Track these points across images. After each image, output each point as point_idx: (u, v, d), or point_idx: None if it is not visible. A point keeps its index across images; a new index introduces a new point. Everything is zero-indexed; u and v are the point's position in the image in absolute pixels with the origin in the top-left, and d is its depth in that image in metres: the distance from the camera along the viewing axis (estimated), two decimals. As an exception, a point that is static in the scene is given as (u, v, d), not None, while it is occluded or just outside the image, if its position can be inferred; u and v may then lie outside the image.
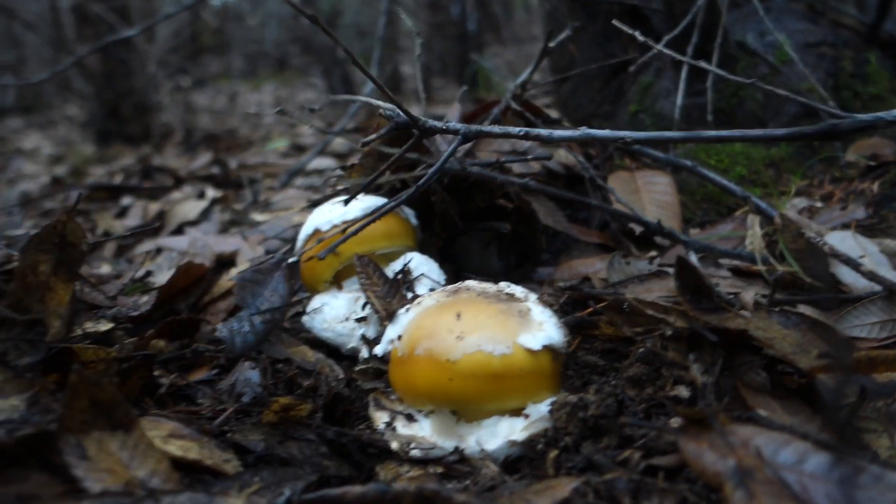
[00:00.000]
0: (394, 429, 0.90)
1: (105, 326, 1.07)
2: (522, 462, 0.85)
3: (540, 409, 0.85)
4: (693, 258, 1.11)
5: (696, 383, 0.82)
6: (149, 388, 1.02)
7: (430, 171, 0.84)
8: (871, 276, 1.00)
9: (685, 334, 0.82)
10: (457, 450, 0.86)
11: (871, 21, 1.93)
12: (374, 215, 1.06)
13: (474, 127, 0.85)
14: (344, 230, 1.14)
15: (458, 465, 0.85)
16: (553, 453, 0.78)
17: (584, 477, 0.74)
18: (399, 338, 0.92)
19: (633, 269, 1.13)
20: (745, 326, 0.82)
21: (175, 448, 0.79)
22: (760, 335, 0.82)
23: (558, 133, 0.85)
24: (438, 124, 0.84)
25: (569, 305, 1.15)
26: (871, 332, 0.96)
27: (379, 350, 0.96)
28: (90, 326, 1.06)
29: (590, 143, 1.66)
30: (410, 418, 0.91)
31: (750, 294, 0.97)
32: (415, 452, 0.87)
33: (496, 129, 0.86)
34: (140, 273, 1.54)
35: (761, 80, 1.76)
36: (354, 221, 1.15)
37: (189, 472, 0.78)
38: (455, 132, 0.85)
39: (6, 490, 0.65)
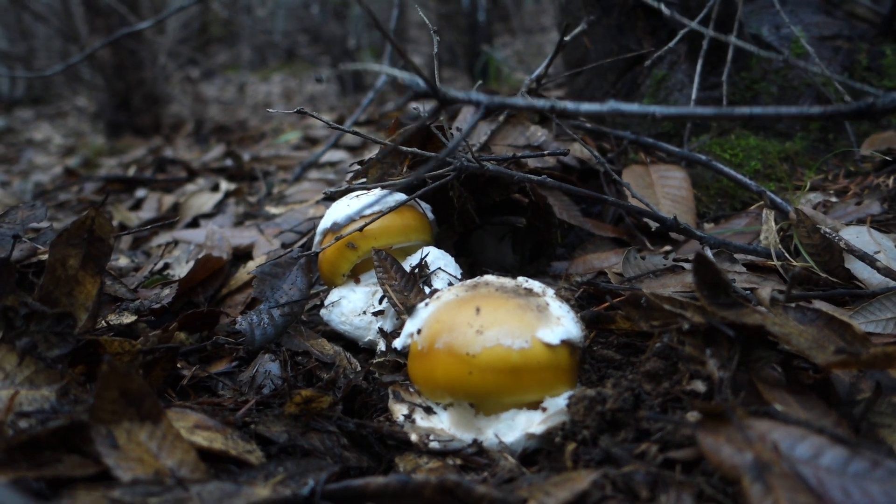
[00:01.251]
0: (413, 421, 0.92)
1: (129, 319, 1.08)
2: (540, 455, 0.86)
3: (558, 403, 0.86)
4: (709, 253, 1.11)
5: (712, 378, 0.83)
6: (171, 380, 1.04)
7: (453, 142, 0.85)
8: (887, 271, 1.00)
9: (702, 329, 0.83)
10: (475, 442, 0.88)
11: (887, 13, 1.92)
12: (392, 205, 1.07)
13: (497, 98, 0.85)
14: (362, 228, 1.15)
15: (476, 457, 0.87)
16: (571, 446, 0.80)
17: (602, 470, 0.75)
18: (419, 332, 0.93)
19: (648, 263, 1.14)
20: (762, 322, 0.83)
21: (200, 439, 0.80)
22: (777, 331, 0.82)
23: (585, 106, 0.85)
24: (459, 94, 0.85)
25: (584, 300, 1.17)
26: (886, 327, 0.97)
27: (398, 344, 0.98)
28: (114, 319, 1.08)
29: (605, 136, 1.67)
30: (429, 411, 0.93)
31: (766, 290, 0.98)
32: (434, 444, 0.88)
33: (520, 101, 0.86)
34: (159, 266, 1.56)
35: (776, 74, 1.75)
36: (372, 215, 1.16)
37: (215, 463, 0.79)
38: (477, 103, 0.85)
39: (41, 473, 0.67)
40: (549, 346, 0.85)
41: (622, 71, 1.92)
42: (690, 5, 1.76)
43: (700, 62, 1.70)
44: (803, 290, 1.10)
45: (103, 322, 1.07)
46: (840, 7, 2.01)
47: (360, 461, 0.91)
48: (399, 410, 0.94)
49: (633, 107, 0.93)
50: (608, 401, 0.84)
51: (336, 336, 1.20)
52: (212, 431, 0.84)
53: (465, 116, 1.55)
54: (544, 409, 0.87)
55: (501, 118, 1.50)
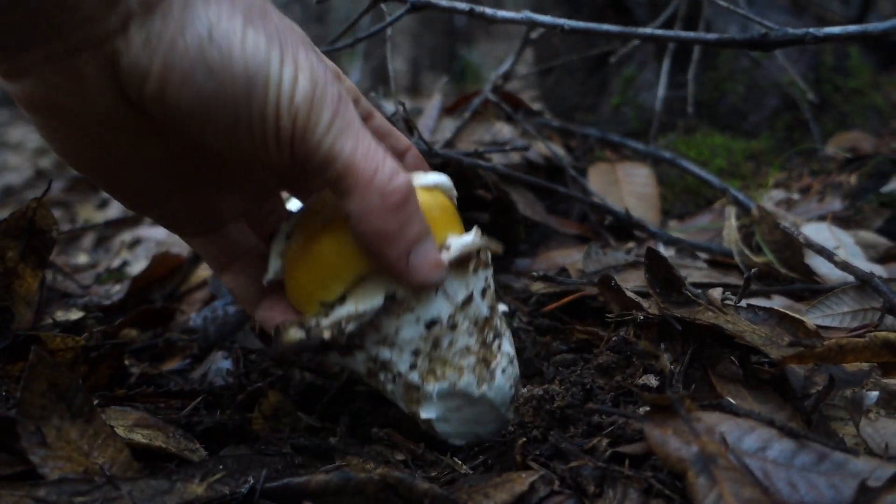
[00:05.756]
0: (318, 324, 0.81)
1: (76, 315, 1.06)
2: (491, 452, 0.85)
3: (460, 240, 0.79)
4: (661, 249, 1.11)
5: (665, 372, 0.81)
6: (119, 378, 1.01)
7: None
8: (845, 266, 1.00)
9: (657, 322, 0.82)
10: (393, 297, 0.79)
11: (855, 16, 1.94)
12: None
13: None
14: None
15: (423, 455, 0.85)
16: (521, 441, 0.78)
17: (547, 468, 0.74)
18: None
19: (609, 258, 1.13)
20: (714, 320, 0.82)
21: (139, 437, 0.78)
22: (731, 328, 0.81)
23: (502, 13, 0.91)
24: None
25: (545, 300, 1.15)
26: (842, 321, 0.96)
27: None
28: (61, 315, 1.05)
29: (572, 134, 1.66)
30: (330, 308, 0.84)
31: (718, 291, 0.97)
32: (351, 326, 0.76)
33: (442, 2, 0.90)
34: (116, 263, 1.52)
35: (742, 74, 1.76)
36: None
37: (152, 461, 0.77)
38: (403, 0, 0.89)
39: (-38, 474, 0.64)
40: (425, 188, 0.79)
41: (591, 70, 1.92)
42: (657, 4, 1.77)
43: (667, 61, 1.70)
44: (763, 286, 1.09)
45: (49, 318, 1.04)
46: (808, 9, 2.02)
47: (307, 460, 0.88)
48: (295, 334, 0.84)
49: (546, 18, 0.98)
50: (556, 399, 0.82)
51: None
52: (153, 429, 0.81)
53: (431, 113, 1.54)
54: (448, 248, 0.79)
55: (467, 115, 1.49)
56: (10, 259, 0.88)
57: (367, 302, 0.67)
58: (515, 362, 0.81)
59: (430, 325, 0.70)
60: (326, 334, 0.67)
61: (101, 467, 0.69)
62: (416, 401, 0.75)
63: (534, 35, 1.53)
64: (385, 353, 0.71)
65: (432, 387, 0.72)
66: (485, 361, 0.75)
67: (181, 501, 0.66)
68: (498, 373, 0.77)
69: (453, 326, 0.71)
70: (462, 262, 0.70)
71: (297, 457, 0.83)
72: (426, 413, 0.75)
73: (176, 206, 0.72)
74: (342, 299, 0.68)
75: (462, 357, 0.73)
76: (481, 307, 0.73)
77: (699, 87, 1.70)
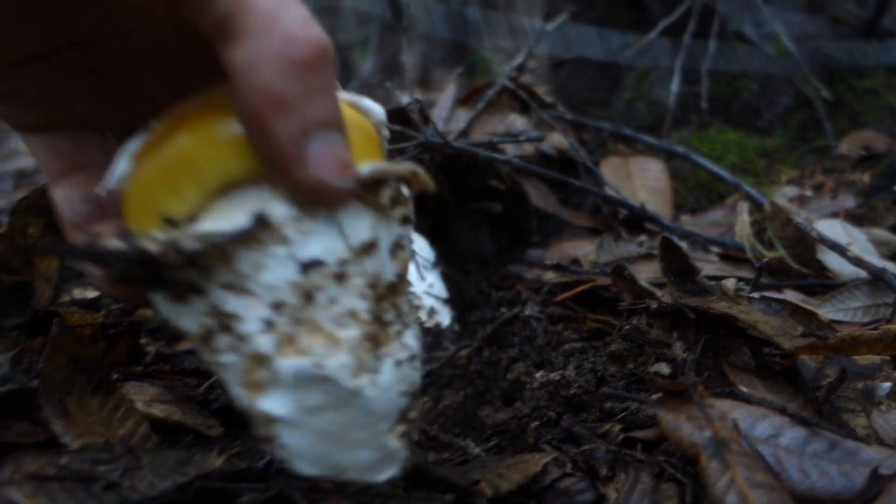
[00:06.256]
0: None
1: (92, 294, 1.07)
2: (504, 436, 0.86)
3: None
4: (676, 240, 1.11)
5: (677, 360, 0.82)
6: (135, 356, 1.02)
7: (425, 137, 0.84)
8: (858, 261, 1.01)
9: (669, 311, 0.83)
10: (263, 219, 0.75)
11: (870, 17, 1.94)
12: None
13: None
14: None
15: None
16: (534, 424, 0.79)
17: (559, 451, 0.75)
18: None
19: (622, 250, 1.13)
20: (728, 310, 0.83)
21: (157, 411, 0.79)
22: (744, 318, 0.82)
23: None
24: None
25: (557, 289, 1.16)
26: (854, 315, 0.97)
27: None
28: (78, 293, 1.06)
29: (585, 128, 1.67)
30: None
31: (731, 281, 0.98)
32: (194, 245, 0.69)
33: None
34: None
35: (757, 71, 1.76)
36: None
37: (170, 436, 0.78)
38: None
39: (-12, 440, 0.65)
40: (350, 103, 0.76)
41: (604, 64, 1.92)
42: (672, 1, 1.77)
43: (681, 56, 1.70)
44: (775, 280, 1.10)
45: (67, 296, 1.05)
46: (823, 9, 2.02)
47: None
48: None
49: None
50: (572, 385, 0.83)
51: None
52: (170, 405, 0.82)
53: (445, 104, 1.54)
54: None
55: (481, 106, 1.50)
56: (31, 235, 0.89)
57: (225, 219, 0.44)
58: (419, 366, 0.53)
59: (308, 267, 0.45)
60: (154, 247, 0.42)
61: (121, 438, 0.70)
62: (259, 384, 0.47)
63: (549, 28, 1.53)
64: (232, 303, 0.45)
65: (289, 363, 0.45)
66: (373, 341, 0.48)
67: (199, 473, 0.67)
68: (388, 364, 0.49)
69: (340, 277, 0.47)
70: (373, 187, 0.48)
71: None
72: (268, 404, 0.46)
73: (29, 78, 0.51)
74: (193, 219, 0.45)
75: (342, 325, 0.47)
76: (387, 266, 0.50)
77: (713, 84, 1.70)
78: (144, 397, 0.82)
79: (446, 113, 1.48)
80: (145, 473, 0.67)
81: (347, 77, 6.00)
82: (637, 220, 1.42)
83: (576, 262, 1.21)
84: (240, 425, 0.86)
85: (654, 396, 0.78)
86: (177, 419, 0.79)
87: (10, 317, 0.82)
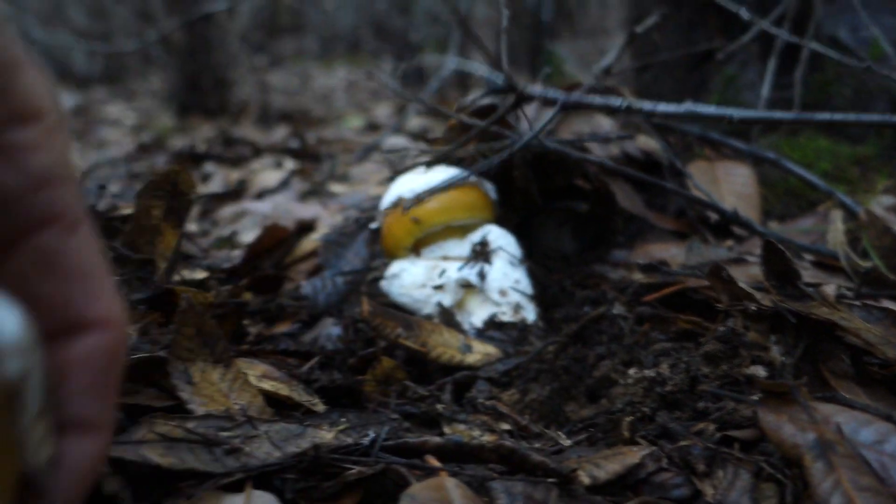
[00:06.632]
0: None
1: (200, 275, 1.13)
2: (595, 428, 0.87)
3: None
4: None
5: (774, 364, 0.82)
6: (238, 336, 1.08)
7: (529, 136, 0.86)
8: (962, 274, 0.98)
9: (768, 314, 0.83)
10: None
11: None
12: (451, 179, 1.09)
13: (574, 95, 0.86)
14: (426, 203, 1.18)
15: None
16: (628, 418, 0.80)
17: (657, 445, 0.76)
18: None
19: (711, 253, 1.13)
20: (830, 316, 0.82)
21: (267, 386, 0.84)
22: (846, 325, 0.82)
23: (662, 107, 0.85)
24: (538, 91, 0.86)
25: (642, 290, 1.16)
26: (957, 328, 0.94)
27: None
28: (187, 274, 1.13)
29: (670, 131, 1.66)
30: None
31: (832, 287, 0.97)
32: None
33: (597, 99, 0.87)
34: (227, 232, 1.62)
35: (851, 77, 1.72)
36: (437, 191, 1.18)
37: (280, 409, 0.83)
38: (553, 101, 0.86)
39: (123, 400, 0.71)
40: None
41: (690, 68, 1.90)
42: (765, 3, 1.74)
43: (772, 61, 1.67)
44: (871, 290, 1.08)
45: (177, 276, 1.12)
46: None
47: (415, 426, 0.93)
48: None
49: (709, 108, 0.93)
50: (668, 383, 0.84)
51: (395, 307, 1.23)
52: (278, 381, 0.87)
53: (535, 105, 1.56)
54: None
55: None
56: (155, 217, 0.95)
57: None
58: None
59: None
60: None
61: (240, 408, 0.75)
62: None
63: (639, 30, 1.53)
64: None
65: None
66: None
67: (313, 444, 0.72)
68: None
69: None
70: None
71: (404, 422, 0.88)
72: None
73: None
74: None
75: None
76: None
77: (805, 89, 1.67)
78: (255, 373, 0.87)
79: (533, 112, 1.50)
80: (263, 441, 0.72)
81: (420, 79, 6.08)
82: (724, 226, 1.41)
83: (663, 263, 1.22)
84: (340, 404, 0.91)
85: (754, 397, 0.78)
86: (286, 394, 0.84)
87: (136, 291, 0.88)
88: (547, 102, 1.55)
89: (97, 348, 0.43)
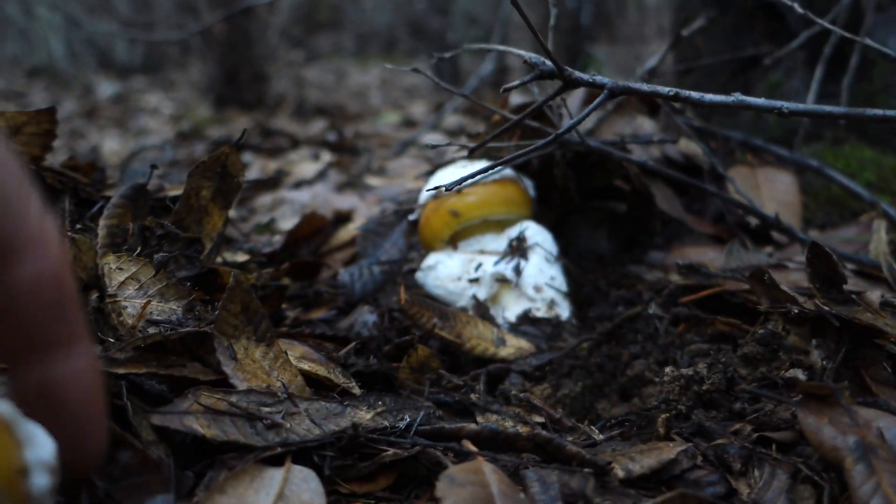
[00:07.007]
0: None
1: (242, 258, 1.15)
2: (628, 424, 0.87)
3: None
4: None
5: (814, 368, 0.82)
6: (277, 319, 1.10)
7: (571, 122, 0.87)
8: None
9: (810, 318, 0.82)
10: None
11: None
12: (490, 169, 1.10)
13: (621, 82, 0.86)
14: (466, 196, 1.19)
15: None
16: (664, 415, 0.80)
17: (692, 442, 0.76)
18: None
19: (751, 258, 1.13)
20: (873, 321, 0.82)
21: (307, 366, 0.85)
22: (890, 330, 0.81)
23: (710, 97, 0.85)
24: (585, 77, 0.86)
25: (678, 293, 1.16)
26: None
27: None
28: (228, 256, 1.15)
29: (712, 136, 1.65)
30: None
31: (876, 294, 0.95)
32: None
33: (644, 86, 0.87)
34: (266, 219, 1.64)
35: (899, 88, 1.69)
36: (476, 185, 1.19)
37: (319, 390, 0.84)
38: (601, 86, 0.86)
39: (169, 372, 0.73)
40: None
41: (734, 73, 1.89)
42: (814, 10, 1.72)
43: (820, 68, 1.65)
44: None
45: (219, 258, 1.14)
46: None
47: (448, 415, 0.94)
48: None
49: (759, 101, 0.91)
50: (705, 381, 0.84)
51: (430, 299, 1.24)
52: (316, 363, 0.88)
53: (574, 103, 1.56)
54: None
55: (610, 107, 1.51)
56: (204, 197, 0.97)
57: None
58: None
59: None
60: None
61: (281, 385, 0.77)
62: None
63: (685, 33, 1.52)
64: None
65: None
66: None
67: (352, 424, 0.73)
68: None
69: None
70: None
71: (438, 410, 0.89)
72: None
73: None
74: None
75: None
76: None
77: (851, 99, 1.65)
78: (295, 353, 0.88)
79: (576, 110, 1.50)
80: (303, 418, 0.74)
81: (455, 77, 6.09)
82: (762, 232, 1.40)
83: (701, 266, 1.21)
84: (375, 389, 0.92)
85: (793, 399, 0.78)
86: (324, 375, 0.85)
87: (183, 269, 0.90)
88: (593, 93, 1.55)
89: (40, 273, 0.47)
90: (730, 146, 1.62)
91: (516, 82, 0.88)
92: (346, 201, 1.73)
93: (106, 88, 6.98)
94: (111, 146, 3.30)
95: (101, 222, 0.92)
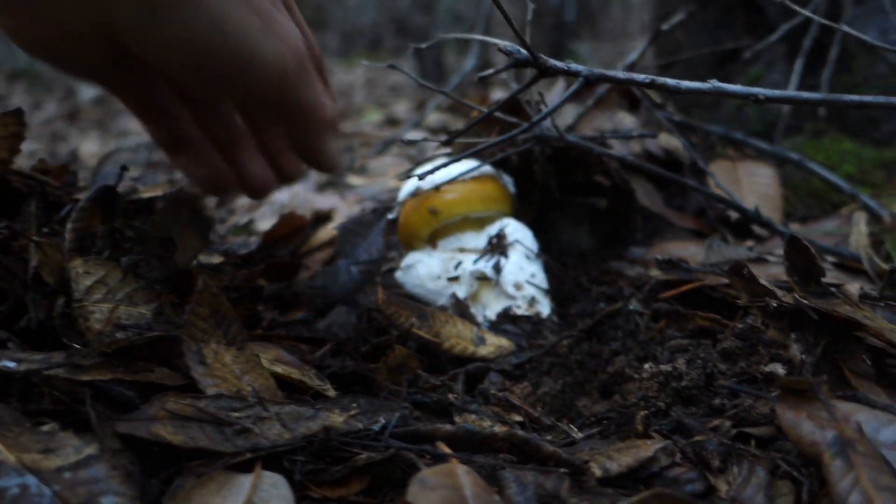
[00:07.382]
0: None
1: (217, 259, 1.13)
2: (608, 422, 0.86)
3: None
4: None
5: (793, 362, 0.81)
6: (252, 321, 1.08)
7: (547, 109, 0.85)
8: None
9: (789, 312, 0.81)
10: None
11: None
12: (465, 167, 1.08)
13: (597, 70, 0.85)
14: (443, 193, 1.17)
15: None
16: (642, 412, 0.79)
17: (671, 439, 0.75)
18: None
19: (731, 252, 1.12)
20: (852, 314, 0.81)
21: (280, 369, 0.84)
22: (869, 324, 0.80)
23: (686, 84, 0.84)
24: (560, 64, 0.85)
25: (658, 288, 1.15)
26: (983, 333, 0.92)
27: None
28: (203, 258, 1.13)
29: (692, 130, 1.64)
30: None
31: (854, 286, 0.95)
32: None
33: (620, 74, 0.86)
34: (244, 220, 1.62)
35: (878, 79, 1.69)
36: (455, 182, 1.18)
37: (292, 393, 0.82)
38: (576, 74, 0.85)
39: (136, 377, 0.71)
40: None
41: (714, 67, 1.89)
42: (793, 2, 1.72)
43: (799, 61, 1.65)
44: (894, 293, 1.06)
45: (193, 260, 1.12)
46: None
47: (426, 416, 0.92)
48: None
49: (736, 87, 0.90)
50: (684, 378, 0.83)
51: (410, 298, 1.22)
52: (290, 366, 0.87)
53: (554, 99, 1.55)
54: None
55: (590, 102, 1.50)
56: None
57: None
58: None
59: None
60: None
61: (252, 389, 0.75)
62: None
63: (665, 27, 1.52)
64: None
65: None
66: None
67: (323, 427, 0.71)
68: None
69: None
70: None
71: (415, 411, 0.87)
72: None
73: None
74: None
75: None
76: None
77: (831, 91, 1.65)
78: (268, 356, 0.87)
79: (560, 99, 1.49)
80: (274, 423, 0.72)
81: (440, 75, 6.07)
82: (743, 226, 1.40)
83: (681, 261, 1.20)
84: (351, 390, 0.90)
85: (772, 394, 0.77)
86: (297, 378, 0.83)
87: (154, 270, 0.88)
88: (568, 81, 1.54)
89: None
90: (710, 140, 1.61)
91: (491, 70, 0.87)
92: (326, 201, 1.71)
93: (87, 92, 6.91)
94: (90, 148, 3.26)
95: (69, 226, 0.90)
